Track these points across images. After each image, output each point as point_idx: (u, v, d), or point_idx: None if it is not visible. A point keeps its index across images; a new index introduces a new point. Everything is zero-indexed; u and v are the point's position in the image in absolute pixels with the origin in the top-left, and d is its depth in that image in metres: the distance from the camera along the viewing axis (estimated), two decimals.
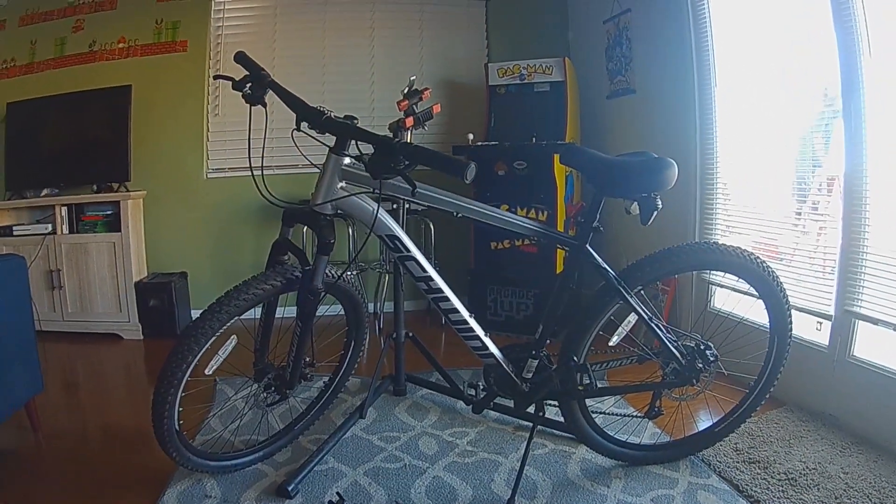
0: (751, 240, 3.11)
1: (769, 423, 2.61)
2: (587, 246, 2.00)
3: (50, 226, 3.96)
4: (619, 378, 2.37)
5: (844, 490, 2.12)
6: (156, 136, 4.21)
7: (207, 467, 2.13)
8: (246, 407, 2.48)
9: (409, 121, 2.33)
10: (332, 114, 1.87)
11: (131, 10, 4.17)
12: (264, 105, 1.92)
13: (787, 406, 2.78)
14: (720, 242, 2.17)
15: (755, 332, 2.29)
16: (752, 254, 2.12)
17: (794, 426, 2.60)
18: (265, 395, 2.10)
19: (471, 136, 3.87)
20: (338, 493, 2.02)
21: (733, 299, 2.87)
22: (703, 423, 2.53)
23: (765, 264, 2.14)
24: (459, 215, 1.96)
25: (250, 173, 1.91)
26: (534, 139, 3.80)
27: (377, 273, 4.14)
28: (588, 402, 2.20)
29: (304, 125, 1.87)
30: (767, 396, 2.30)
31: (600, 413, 2.30)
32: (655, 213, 1.95)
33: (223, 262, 4.36)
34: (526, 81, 4.06)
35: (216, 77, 2.11)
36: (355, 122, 1.87)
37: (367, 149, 1.77)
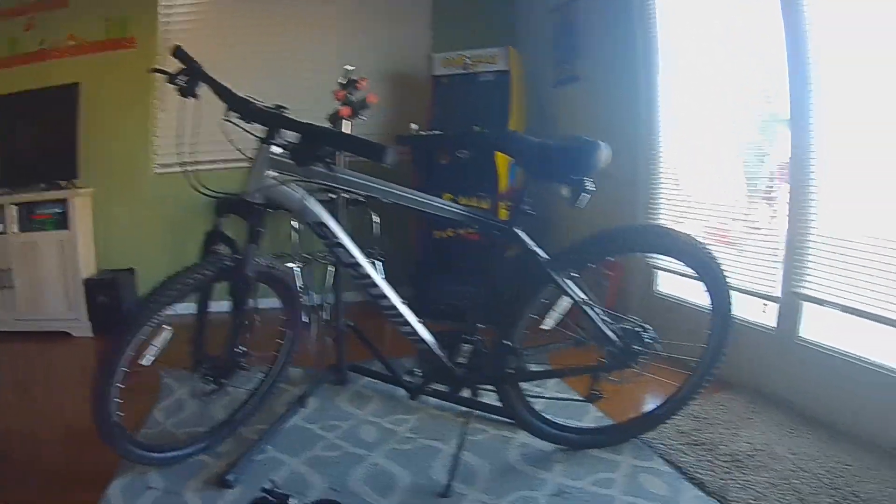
0: (705, 225, 3.12)
1: (715, 406, 2.61)
2: (516, 229, 2.00)
3: (1, 225, 3.91)
4: (563, 362, 2.37)
5: (793, 471, 2.12)
6: (104, 133, 4.18)
7: (150, 459, 2.12)
8: (188, 399, 2.48)
9: (346, 110, 2.34)
10: (260, 103, 1.88)
11: (81, 7, 4.13)
12: (196, 97, 1.95)
13: (734, 388, 2.78)
14: (656, 225, 2.18)
15: (700, 315, 2.30)
16: (688, 235, 2.12)
17: (741, 408, 2.60)
18: (202, 385, 2.10)
19: (414, 126, 3.87)
20: (271, 479, 2.00)
21: (677, 283, 2.89)
22: (648, 406, 2.53)
23: (702, 245, 2.14)
24: (389, 201, 1.96)
25: (183, 166, 1.96)
26: (477, 128, 3.80)
27: (323, 265, 4.08)
28: (526, 386, 2.20)
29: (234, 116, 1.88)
30: (711, 378, 2.29)
31: (540, 397, 2.30)
32: (587, 196, 1.95)
33: (173, 257, 4.17)
34: (470, 71, 4.06)
35: (152, 71, 2.13)
36: (284, 111, 1.89)
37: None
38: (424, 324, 2.12)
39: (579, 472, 2.13)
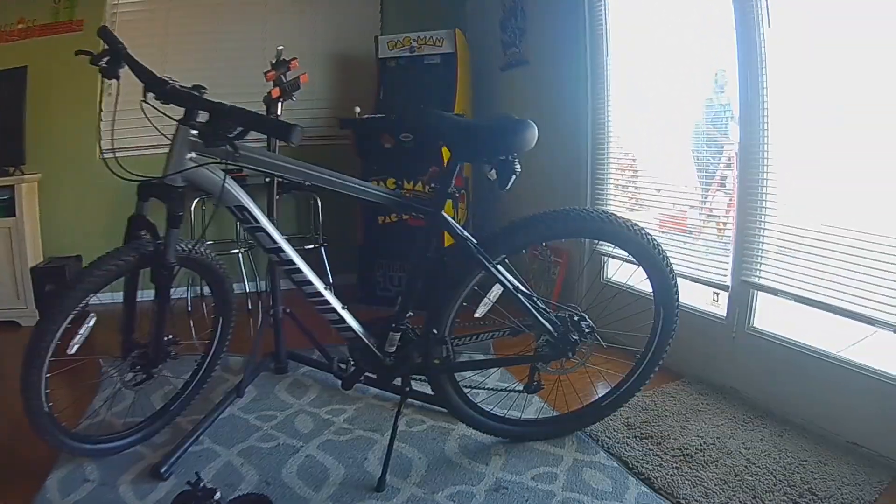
0: (659, 212, 3.06)
1: (664, 397, 2.55)
2: (442, 213, 1.94)
3: None
4: (506, 351, 2.31)
5: (746, 466, 2.06)
6: (51, 118, 4.12)
7: (83, 450, 2.08)
8: (125, 389, 2.44)
9: (276, 91, 2.28)
10: (178, 84, 1.83)
11: None
12: (118, 78, 1.92)
13: (684, 379, 2.73)
14: (591, 209, 2.10)
15: (647, 303, 2.23)
16: (626, 220, 2.04)
17: (691, 400, 2.54)
18: (132, 374, 2.06)
19: (358, 109, 3.82)
20: (197, 473, 1.96)
21: (627, 271, 2.82)
22: (593, 396, 2.46)
23: (642, 231, 2.06)
24: (308, 183, 1.90)
25: (102, 149, 1.89)
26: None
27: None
28: (468, 375, 2.14)
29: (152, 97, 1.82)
30: (657, 369, 2.23)
31: (478, 388, 2.23)
32: (514, 177, 1.88)
33: (119, 243, 4.20)
34: (416, 54, 4.00)
35: (77, 53, 2.08)
36: (203, 91, 1.83)
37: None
38: (353, 311, 2.06)
39: (519, 467, 2.08)
